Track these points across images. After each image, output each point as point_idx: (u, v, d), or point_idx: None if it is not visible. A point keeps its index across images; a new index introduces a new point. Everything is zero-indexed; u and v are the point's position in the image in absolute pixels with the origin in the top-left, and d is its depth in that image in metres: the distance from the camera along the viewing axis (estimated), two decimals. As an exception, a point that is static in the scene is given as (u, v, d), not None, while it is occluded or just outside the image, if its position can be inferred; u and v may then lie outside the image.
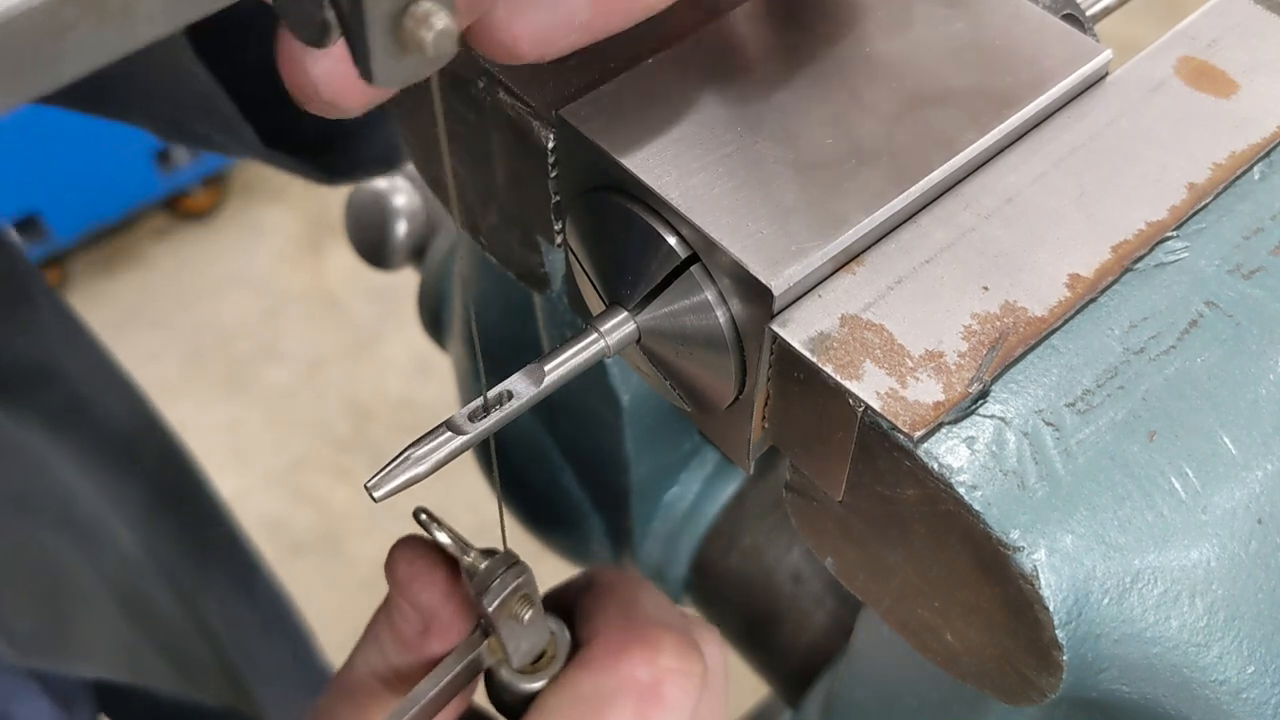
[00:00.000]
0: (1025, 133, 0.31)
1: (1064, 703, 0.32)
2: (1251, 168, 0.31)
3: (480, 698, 0.42)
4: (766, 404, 0.30)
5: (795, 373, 0.28)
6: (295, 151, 0.56)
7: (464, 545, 0.38)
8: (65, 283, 2.13)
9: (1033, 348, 0.27)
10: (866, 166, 0.30)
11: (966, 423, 0.26)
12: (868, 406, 0.26)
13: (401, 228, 0.81)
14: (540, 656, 0.40)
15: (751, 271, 0.27)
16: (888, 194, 0.29)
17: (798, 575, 0.60)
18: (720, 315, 0.29)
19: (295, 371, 2.03)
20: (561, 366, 0.30)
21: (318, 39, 0.20)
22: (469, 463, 0.57)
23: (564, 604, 0.42)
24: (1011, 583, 0.26)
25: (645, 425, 0.52)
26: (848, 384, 0.26)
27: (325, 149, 0.58)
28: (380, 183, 0.81)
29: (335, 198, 0.86)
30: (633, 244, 0.30)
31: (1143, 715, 0.30)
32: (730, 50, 0.32)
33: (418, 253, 0.82)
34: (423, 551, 0.39)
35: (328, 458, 1.92)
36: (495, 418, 0.29)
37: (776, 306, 0.28)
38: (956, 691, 0.39)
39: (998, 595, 0.26)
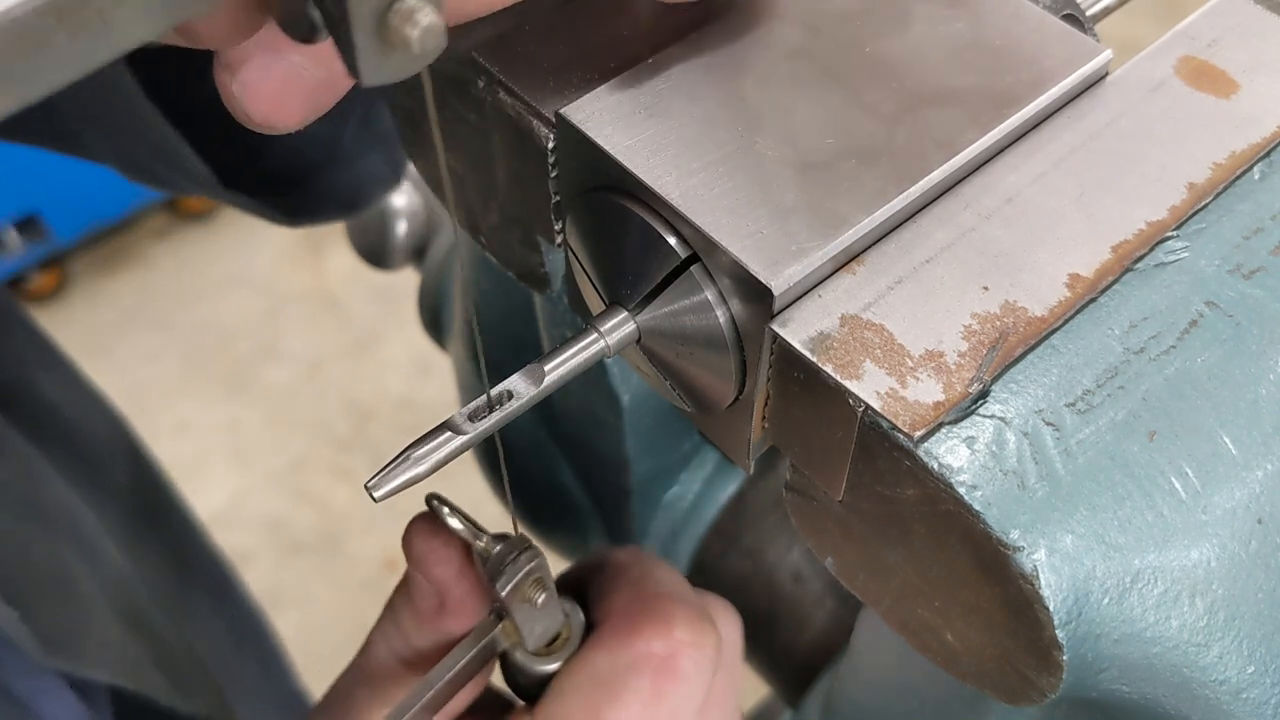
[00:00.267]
0: (1025, 133, 0.31)
1: (1064, 703, 0.32)
2: (1251, 168, 0.31)
3: (497, 680, 0.42)
4: (766, 404, 0.30)
5: (795, 373, 0.28)
6: (254, 191, 0.56)
7: (476, 530, 0.39)
8: (65, 283, 2.13)
9: (1033, 348, 0.27)
10: (866, 166, 0.30)
11: (966, 423, 0.26)
12: (868, 406, 0.26)
13: (401, 228, 0.81)
14: (555, 639, 0.40)
15: (751, 271, 0.27)
16: (888, 194, 0.29)
17: (798, 575, 0.60)
18: (720, 315, 0.29)
19: (295, 371, 2.03)
20: (561, 366, 0.30)
21: (306, 37, 0.20)
22: (469, 463, 0.57)
23: (577, 586, 0.42)
24: (1011, 583, 0.26)
25: (645, 425, 0.52)
26: (848, 384, 0.26)
27: (286, 189, 0.57)
28: (380, 183, 0.80)
29: (335, 198, 0.86)
30: (633, 244, 0.30)
31: (1143, 715, 0.30)
32: (730, 50, 0.32)
33: (418, 253, 0.82)
34: (438, 528, 0.40)
35: (328, 458, 1.92)
36: (495, 418, 0.29)
37: (776, 306, 0.28)
38: (956, 691, 0.39)
39: (998, 595, 0.26)
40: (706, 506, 0.61)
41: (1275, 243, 0.30)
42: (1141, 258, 0.29)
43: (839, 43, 0.32)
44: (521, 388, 0.29)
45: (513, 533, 0.39)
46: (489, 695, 0.43)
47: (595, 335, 0.31)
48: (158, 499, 0.77)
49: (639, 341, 0.32)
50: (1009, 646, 0.27)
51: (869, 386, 0.26)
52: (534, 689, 0.40)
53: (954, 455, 0.26)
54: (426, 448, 0.28)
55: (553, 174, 0.32)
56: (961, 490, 0.25)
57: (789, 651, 0.61)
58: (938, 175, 0.30)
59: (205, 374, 2.03)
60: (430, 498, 0.39)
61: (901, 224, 0.30)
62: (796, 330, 0.28)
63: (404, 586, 0.41)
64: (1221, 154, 0.31)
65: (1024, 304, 0.28)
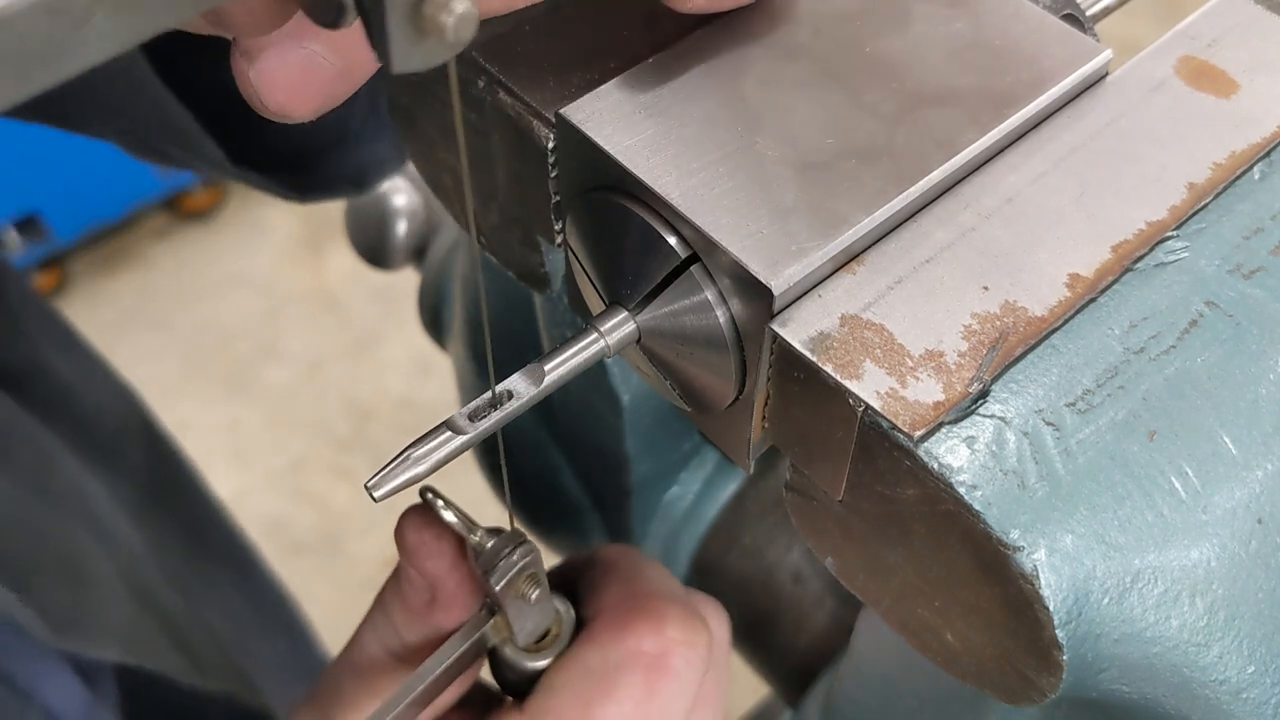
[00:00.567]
0: (1025, 132, 0.31)
1: (1064, 703, 0.32)
2: (1251, 168, 0.31)
3: (484, 675, 0.42)
4: (766, 404, 0.30)
5: (795, 372, 0.28)
6: (264, 170, 0.56)
7: (470, 524, 0.38)
8: (65, 283, 2.13)
9: (1033, 347, 0.27)
10: (866, 166, 0.30)
11: (966, 422, 0.26)
12: (868, 406, 0.26)
13: (401, 228, 0.81)
14: (545, 635, 0.40)
15: (751, 271, 0.27)
16: (888, 194, 0.29)
17: (798, 575, 0.60)
18: (720, 315, 0.29)
19: (295, 371, 2.03)
20: (561, 366, 0.30)
21: (334, 21, 0.20)
22: (469, 462, 0.57)
23: (567, 581, 0.42)
24: (1011, 582, 0.26)
25: (645, 425, 0.52)
26: (848, 384, 0.26)
27: (295, 167, 0.58)
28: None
29: (335, 198, 0.86)
30: (633, 244, 0.30)
31: (1143, 715, 0.30)
32: (730, 50, 0.32)
33: (418, 253, 0.82)
34: (431, 520, 0.39)
35: (328, 458, 1.92)
36: (495, 417, 0.29)
37: (776, 306, 0.28)
38: (956, 691, 0.39)
39: (998, 595, 0.26)
40: (706, 506, 0.61)
41: (1275, 243, 0.30)
42: (1141, 258, 0.29)
43: (839, 43, 0.32)
44: (521, 387, 0.29)
45: (507, 527, 0.39)
46: (477, 690, 0.43)
47: (595, 335, 0.31)
48: (174, 478, 0.77)
49: (639, 341, 0.32)
50: (1009, 646, 0.27)
51: (869, 386, 0.26)
52: (522, 685, 0.40)
53: (954, 455, 0.26)
54: (426, 447, 0.28)
55: (553, 174, 0.32)
56: (961, 490, 0.25)
57: (789, 652, 0.61)
58: (938, 175, 0.30)
59: (205, 374, 2.03)
60: (425, 490, 0.39)
61: (901, 224, 0.30)
62: (796, 330, 0.28)
63: (395, 579, 0.40)
64: (1221, 154, 0.31)
65: (1024, 304, 0.28)
